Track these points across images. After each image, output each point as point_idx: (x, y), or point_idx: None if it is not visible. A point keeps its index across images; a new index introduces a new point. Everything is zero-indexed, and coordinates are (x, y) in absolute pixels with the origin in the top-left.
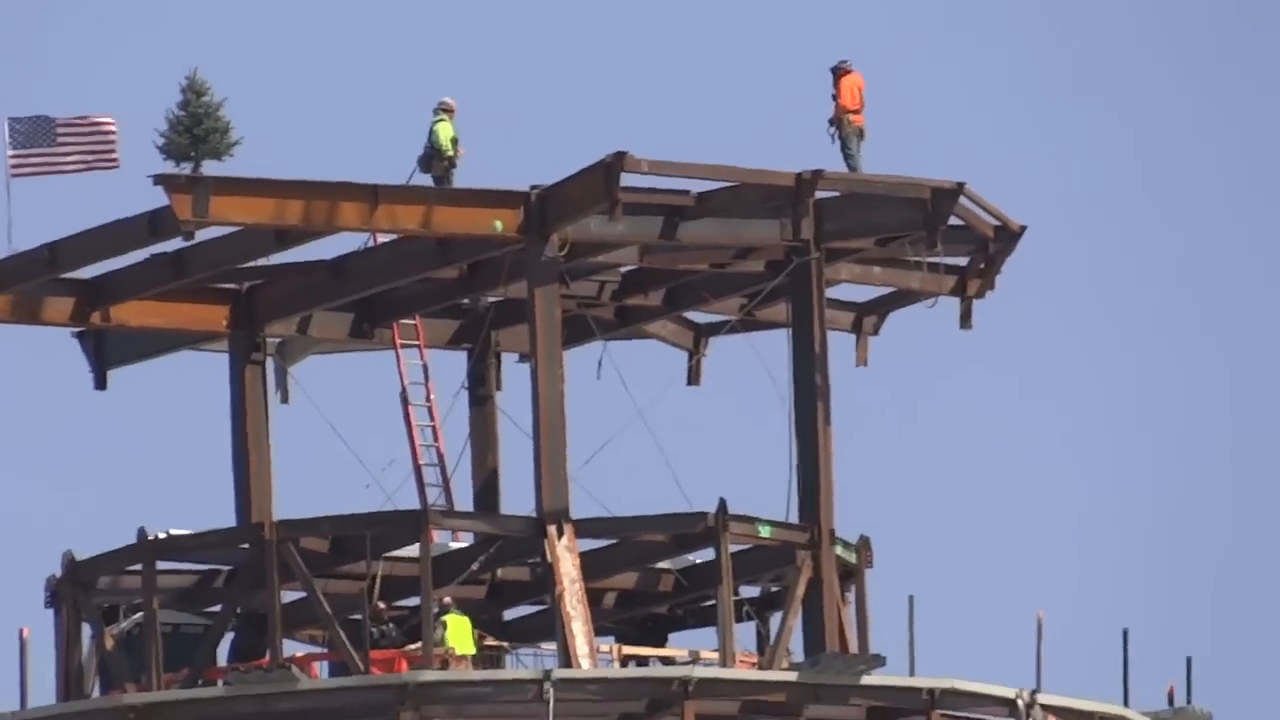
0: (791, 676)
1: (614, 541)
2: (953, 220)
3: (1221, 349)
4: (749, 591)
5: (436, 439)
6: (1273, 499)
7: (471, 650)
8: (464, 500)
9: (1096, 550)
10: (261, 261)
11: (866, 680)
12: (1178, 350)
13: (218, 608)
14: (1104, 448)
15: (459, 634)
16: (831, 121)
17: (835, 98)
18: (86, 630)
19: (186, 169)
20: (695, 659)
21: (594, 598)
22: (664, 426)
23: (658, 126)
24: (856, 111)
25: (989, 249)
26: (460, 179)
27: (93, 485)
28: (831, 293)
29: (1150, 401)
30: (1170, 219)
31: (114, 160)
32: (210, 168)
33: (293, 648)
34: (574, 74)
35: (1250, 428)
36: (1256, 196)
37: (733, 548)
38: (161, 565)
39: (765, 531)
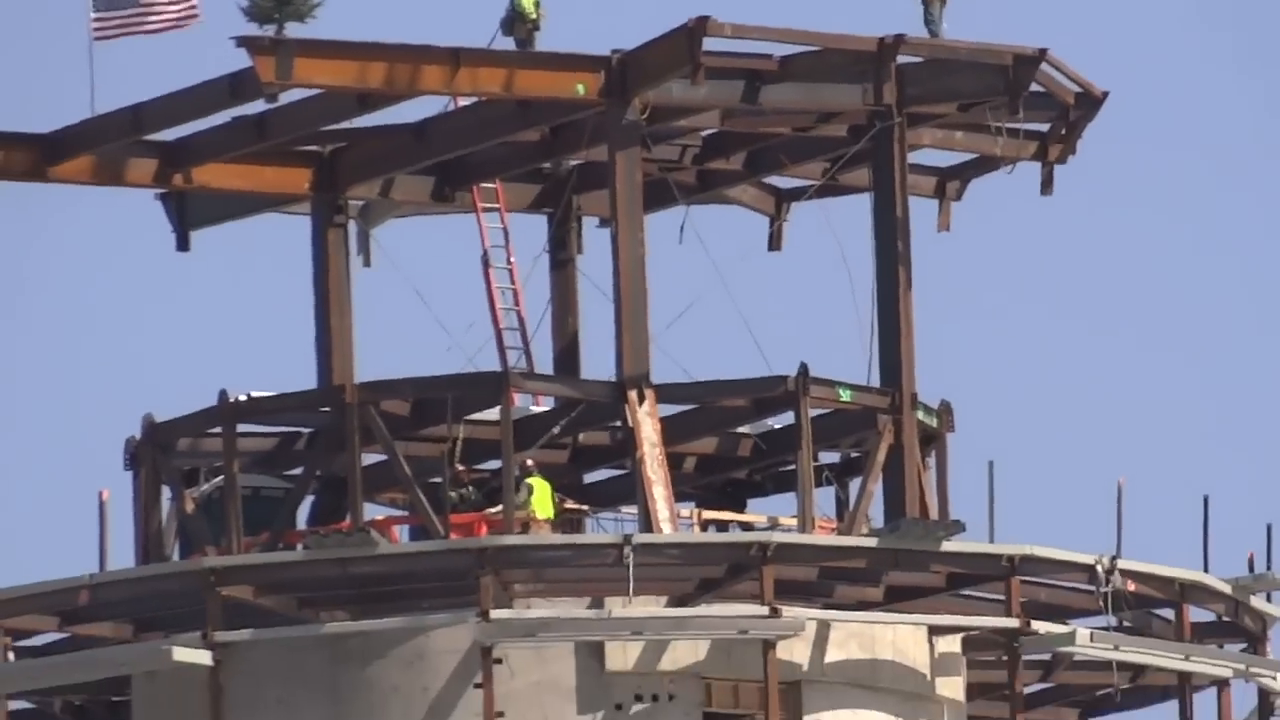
0: (871, 542)
1: (694, 406)
2: (1034, 87)
3: None
4: (829, 457)
5: (517, 303)
6: None
7: (551, 514)
8: (544, 364)
9: (1178, 417)
10: (344, 125)
11: (946, 546)
12: (1259, 216)
13: (298, 471)
14: (1184, 314)
15: (540, 498)
16: None
17: None
18: (166, 493)
19: (270, 31)
20: (774, 524)
21: (674, 462)
22: (745, 291)
23: None
24: None
25: (1070, 115)
26: (542, 42)
27: (174, 347)
28: (913, 158)
29: (1230, 267)
30: (1254, 87)
31: (196, 17)
32: (293, 30)
33: (373, 511)
34: None
35: None
36: None
37: (813, 412)
38: (242, 428)
39: (846, 396)
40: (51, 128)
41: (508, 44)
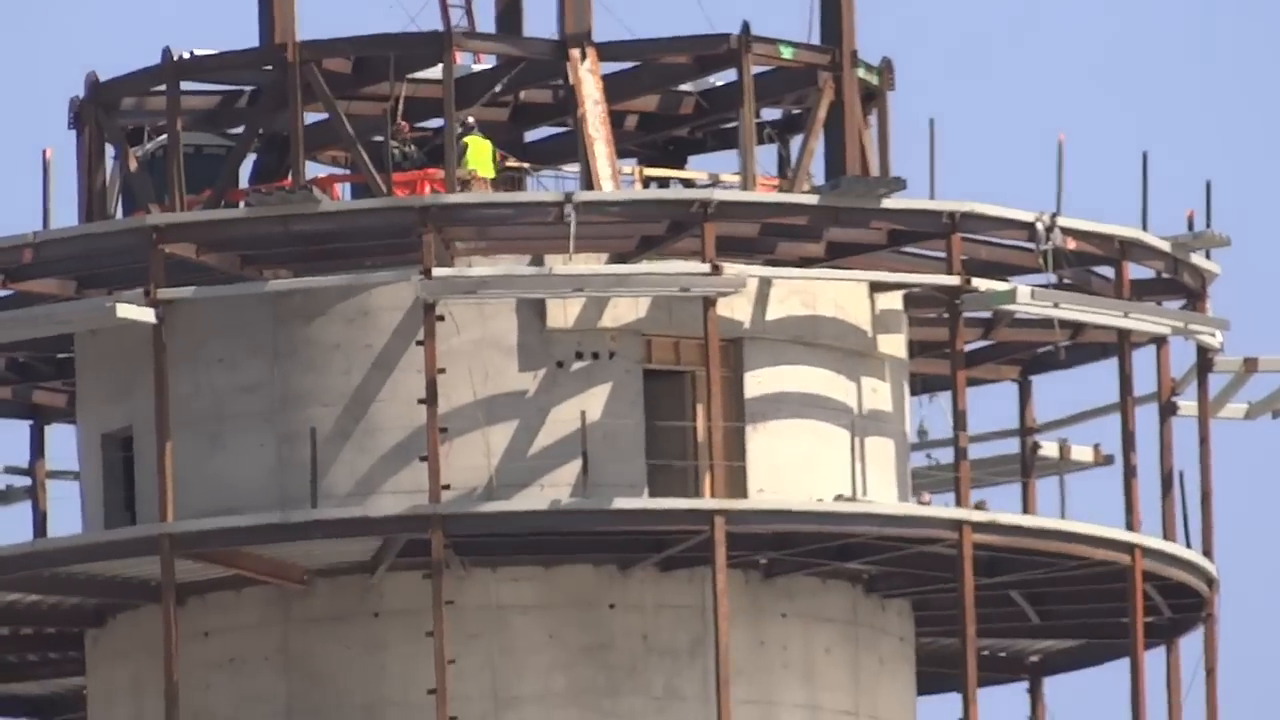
0: (812, 199)
1: (636, 64)
2: None
3: None
4: (770, 114)
5: None
6: None
7: (492, 173)
8: (487, 23)
9: (1118, 75)
10: None
11: (887, 203)
12: None
13: (240, 129)
14: None
15: (480, 156)
16: None
17: None
18: (110, 152)
19: None
20: (716, 182)
21: (616, 120)
22: None
23: None
24: None
25: None
26: None
27: (118, 6)
28: None
29: None
30: None
31: None
32: None
33: (315, 170)
34: None
35: None
36: None
37: (754, 70)
38: (185, 86)
39: (787, 53)
40: None
41: None
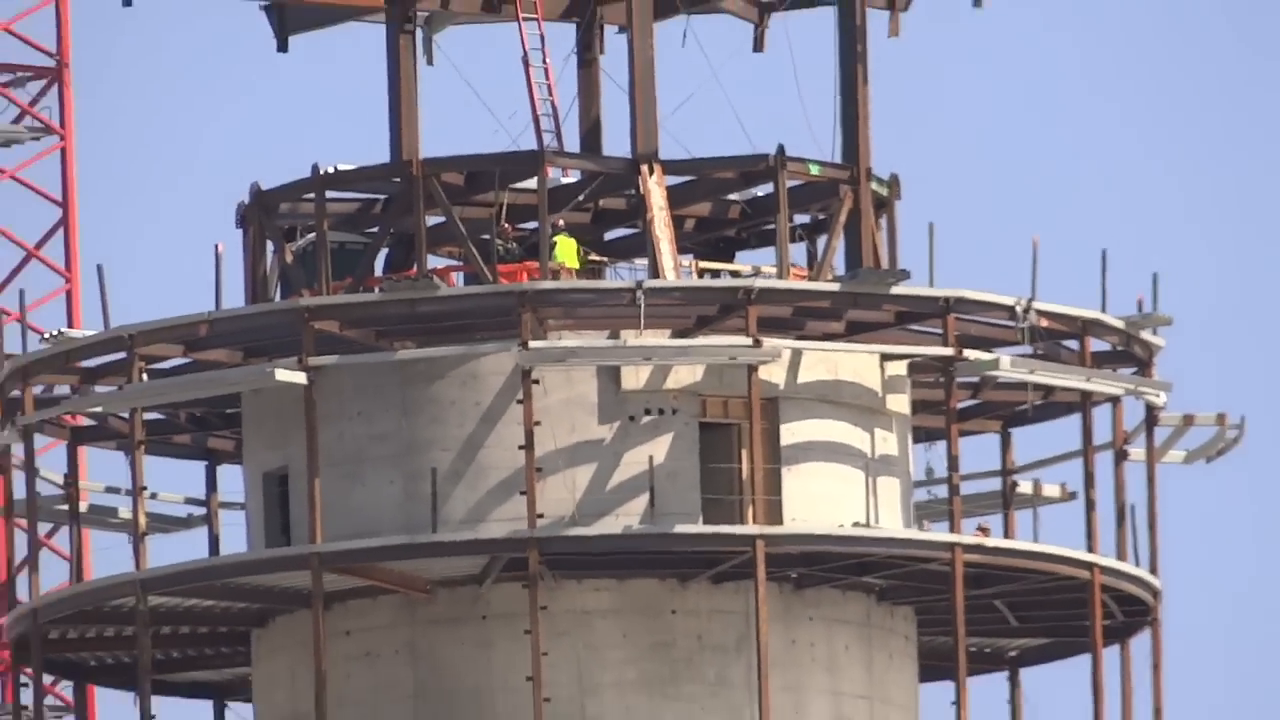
0: (835, 287)
1: (693, 178)
2: None
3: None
4: (801, 219)
5: (551, 94)
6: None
7: (578, 265)
8: (573, 144)
9: (1082, 185)
10: None
11: (895, 290)
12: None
13: (375, 229)
14: (1087, 106)
15: (567, 252)
16: None
17: None
18: (269, 247)
19: None
20: (757, 272)
21: (677, 223)
22: (734, 85)
23: None
24: None
25: None
26: None
27: (277, 130)
28: None
29: (1119, 77)
30: None
31: None
32: None
33: (435, 262)
34: None
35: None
36: None
37: (789, 183)
38: (330, 194)
39: (815, 170)
40: None
41: None
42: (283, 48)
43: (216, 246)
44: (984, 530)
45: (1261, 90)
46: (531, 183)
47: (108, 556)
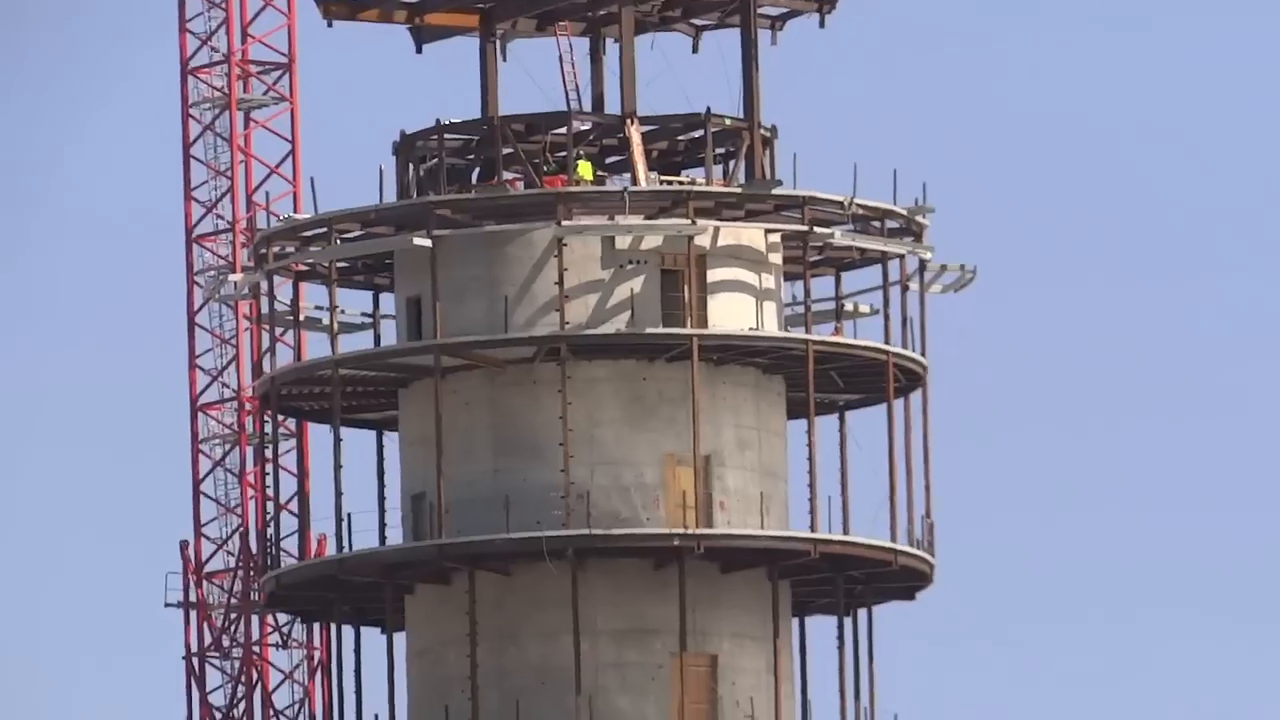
0: (738, 189)
1: (657, 126)
2: None
3: None
4: (720, 150)
5: (575, 78)
6: None
7: (591, 178)
8: (588, 106)
9: (890, 138)
10: None
11: (774, 192)
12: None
13: (472, 156)
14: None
15: (586, 170)
16: None
17: None
18: (410, 168)
19: None
20: (694, 182)
21: (647, 153)
22: (682, 72)
23: None
24: None
25: None
26: None
27: (416, 100)
28: None
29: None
30: None
31: None
32: None
33: (507, 176)
34: None
35: None
36: None
37: (713, 129)
38: (448, 136)
39: (729, 121)
40: None
41: None
42: (419, 50)
43: (380, 167)
44: (839, 331)
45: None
46: (563, 129)
47: (316, 345)
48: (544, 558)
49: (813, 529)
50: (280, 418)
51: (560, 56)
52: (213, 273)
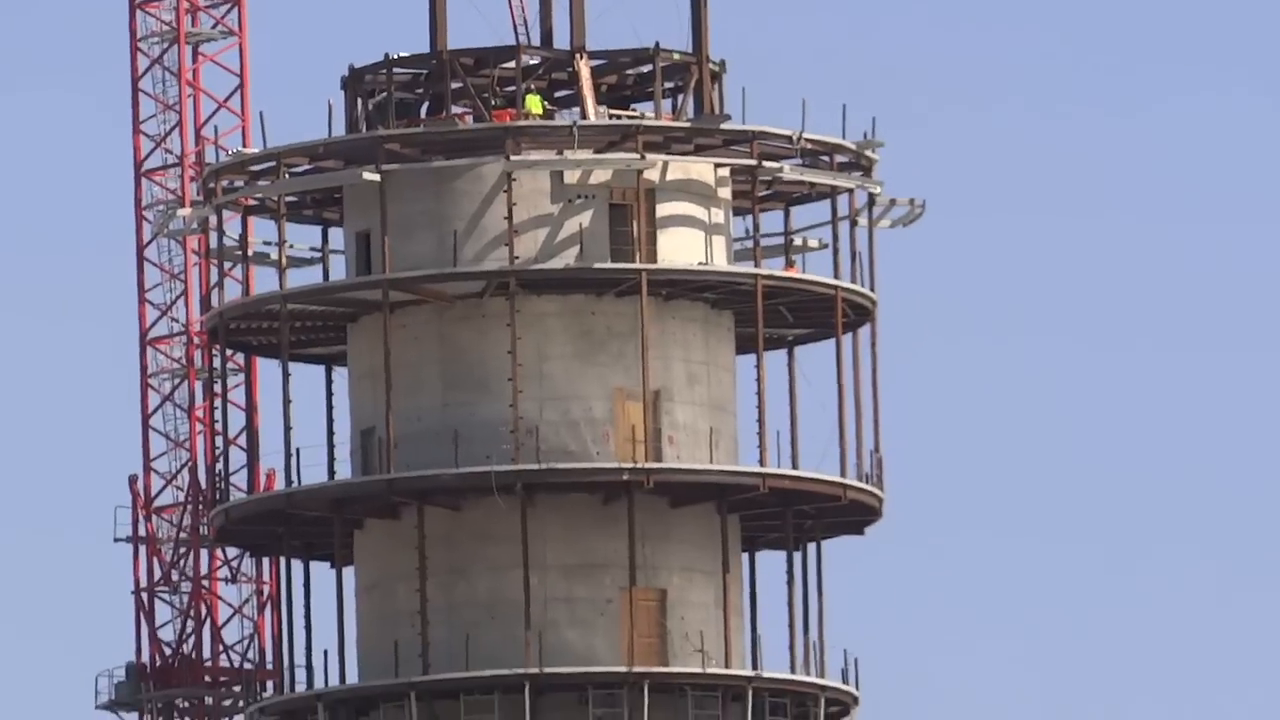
0: (687, 124)
1: (605, 61)
2: None
3: None
4: (669, 84)
5: (525, 12)
6: None
7: (540, 112)
8: (536, 40)
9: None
10: None
11: (723, 126)
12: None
13: (421, 90)
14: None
15: (534, 103)
16: None
17: None
18: (359, 102)
19: None
20: (643, 116)
21: (596, 88)
22: (632, 10)
23: None
24: None
25: None
26: None
27: (366, 32)
28: None
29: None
30: None
31: None
32: None
33: (456, 110)
34: None
35: None
36: None
37: (662, 64)
38: (396, 70)
39: (677, 56)
40: None
41: None
42: None
43: (329, 101)
44: (793, 267)
45: None
46: (512, 64)
47: (265, 280)
48: (493, 492)
49: (762, 464)
50: (229, 352)
51: None
52: (161, 207)
